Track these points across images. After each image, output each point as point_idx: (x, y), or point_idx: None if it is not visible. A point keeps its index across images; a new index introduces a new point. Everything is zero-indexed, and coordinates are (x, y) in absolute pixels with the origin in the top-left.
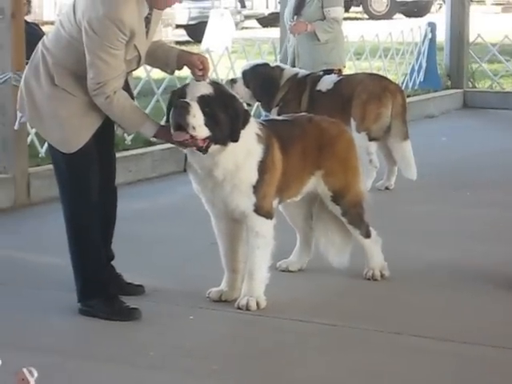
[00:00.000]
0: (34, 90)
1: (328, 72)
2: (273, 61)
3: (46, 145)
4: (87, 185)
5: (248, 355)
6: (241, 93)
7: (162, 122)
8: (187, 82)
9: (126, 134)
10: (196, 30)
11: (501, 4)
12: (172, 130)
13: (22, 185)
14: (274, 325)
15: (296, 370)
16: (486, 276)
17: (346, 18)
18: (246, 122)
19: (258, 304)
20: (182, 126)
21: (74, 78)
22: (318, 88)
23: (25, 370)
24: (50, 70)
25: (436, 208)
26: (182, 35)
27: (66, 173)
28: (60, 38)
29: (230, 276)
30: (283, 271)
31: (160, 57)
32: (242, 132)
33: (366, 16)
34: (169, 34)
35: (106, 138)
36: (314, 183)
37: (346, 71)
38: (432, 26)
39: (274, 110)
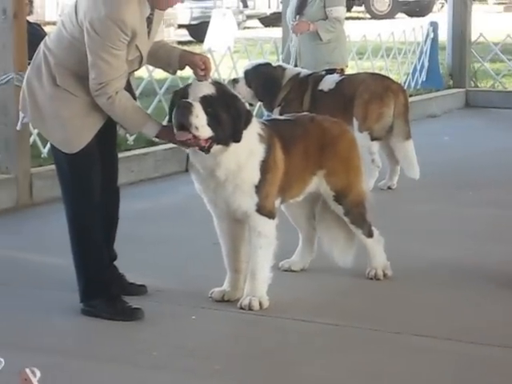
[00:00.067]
0: (36, 91)
1: (330, 71)
2: (275, 61)
3: (48, 145)
4: (89, 185)
5: (250, 355)
6: (243, 93)
7: (164, 123)
8: (189, 82)
9: (128, 135)
10: (198, 30)
11: (503, 3)
12: (175, 130)
13: (24, 185)
14: (276, 325)
15: (299, 369)
16: (488, 275)
17: (347, 18)
18: (248, 122)
19: (260, 304)
20: (184, 126)
21: (75, 78)
22: (320, 88)
23: (27, 370)
24: (52, 70)
25: (438, 207)
26: (184, 35)
27: (68, 173)
28: (62, 38)
29: (232, 276)
30: (286, 271)
31: (162, 57)
32: (244, 132)
33: (368, 15)
34: (171, 33)
35: (108, 138)
36: (317, 183)
37: (348, 71)
38: (434, 26)
39: (276, 110)
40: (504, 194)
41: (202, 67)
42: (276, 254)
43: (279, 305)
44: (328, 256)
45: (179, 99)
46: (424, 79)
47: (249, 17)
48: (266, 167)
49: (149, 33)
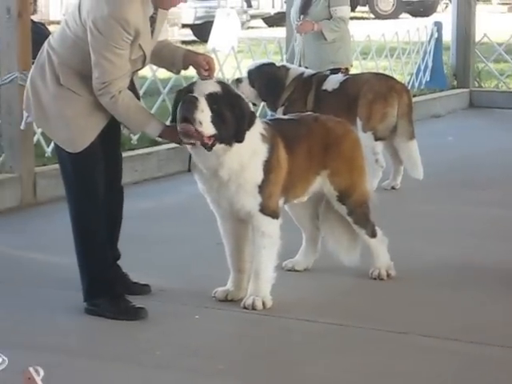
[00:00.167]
0: (39, 90)
1: (335, 71)
2: (279, 60)
3: (52, 144)
4: (93, 184)
5: (254, 355)
6: (246, 92)
7: (168, 122)
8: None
9: (131, 134)
10: (202, 30)
11: (507, 3)
12: (178, 124)
13: (28, 184)
14: (280, 324)
15: (302, 369)
16: (493, 275)
17: (352, 18)
18: (251, 123)
19: (264, 304)
20: (188, 121)
21: (79, 77)
22: (323, 87)
23: (31, 369)
24: (56, 69)
25: (442, 207)
26: (188, 35)
27: (72, 172)
28: (65, 37)
29: (235, 276)
30: (289, 271)
31: (166, 56)
32: (247, 132)
33: (372, 15)
34: (175, 33)
35: (112, 137)
36: (320, 183)
37: (352, 71)
38: (438, 26)
39: (280, 110)
40: (509, 193)
41: (205, 67)
42: (279, 254)
43: (283, 304)
44: (331, 256)
45: (184, 95)
46: (428, 79)
47: (253, 16)
48: (269, 167)
49: (152, 32)
